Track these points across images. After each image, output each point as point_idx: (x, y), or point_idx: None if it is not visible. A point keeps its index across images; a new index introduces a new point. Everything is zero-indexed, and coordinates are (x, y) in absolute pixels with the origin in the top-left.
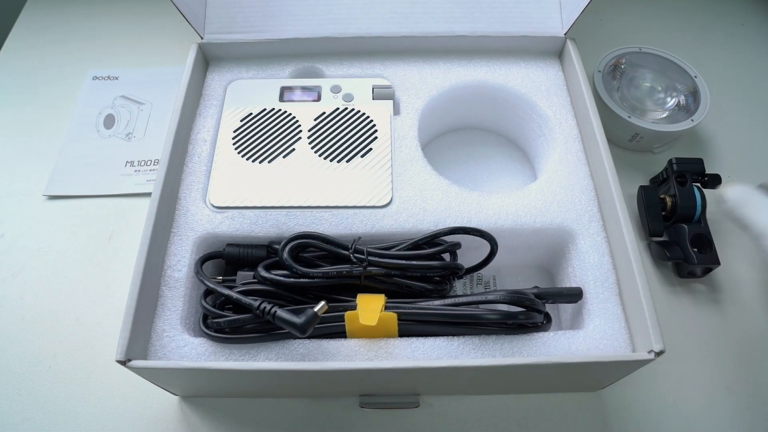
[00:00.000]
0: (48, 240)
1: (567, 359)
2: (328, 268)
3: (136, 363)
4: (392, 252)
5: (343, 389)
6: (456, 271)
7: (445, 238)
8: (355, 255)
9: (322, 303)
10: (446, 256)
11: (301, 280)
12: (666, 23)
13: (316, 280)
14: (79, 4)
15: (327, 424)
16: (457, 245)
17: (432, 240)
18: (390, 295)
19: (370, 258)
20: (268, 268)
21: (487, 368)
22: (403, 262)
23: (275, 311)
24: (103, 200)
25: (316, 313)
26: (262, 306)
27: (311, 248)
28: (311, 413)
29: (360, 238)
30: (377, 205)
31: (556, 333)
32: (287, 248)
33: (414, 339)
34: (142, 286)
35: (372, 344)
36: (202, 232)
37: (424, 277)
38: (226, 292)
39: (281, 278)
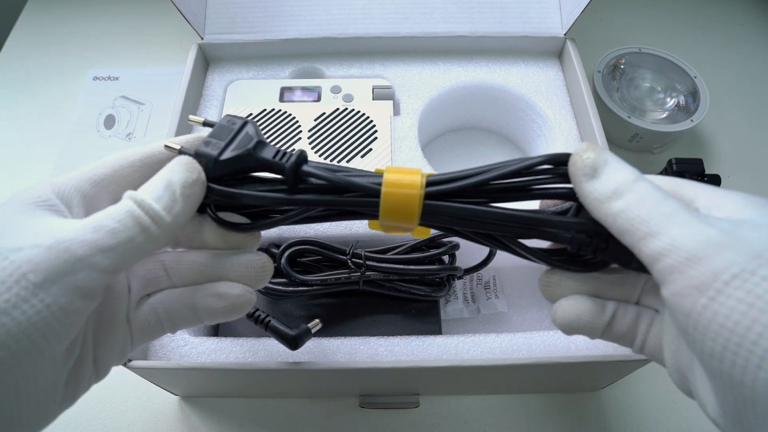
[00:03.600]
0: None
1: (567, 359)
2: (326, 275)
3: (136, 363)
4: (390, 256)
5: (343, 389)
6: (454, 274)
7: (443, 239)
8: (353, 260)
9: (317, 320)
10: (445, 258)
11: (300, 288)
12: (666, 23)
13: (314, 287)
14: (79, 5)
15: (327, 424)
16: (456, 246)
17: (430, 242)
18: (389, 299)
19: (368, 263)
20: None
21: (487, 368)
22: (401, 266)
23: (269, 321)
24: None
25: (309, 329)
26: (257, 314)
27: (309, 253)
28: (311, 413)
29: (358, 242)
30: None
31: (556, 332)
32: (285, 256)
33: (414, 337)
34: None
35: (371, 342)
36: None
37: (423, 279)
38: None
39: (280, 287)
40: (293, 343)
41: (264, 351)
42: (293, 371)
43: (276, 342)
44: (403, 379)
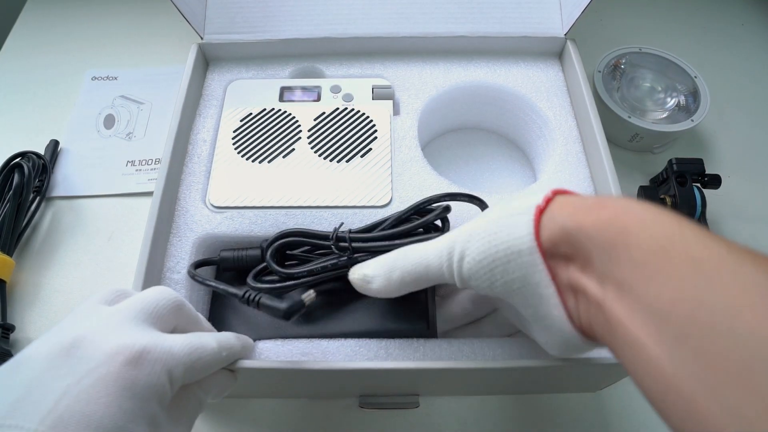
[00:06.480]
0: (48, 240)
1: (567, 360)
2: (312, 266)
3: None
4: (376, 233)
5: (343, 389)
6: None
7: (432, 205)
8: (338, 244)
9: (311, 291)
10: (438, 225)
11: (288, 283)
12: (666, 23)
13: (302, 280)
14: (78, 5)
15: (327, 424)
16: (447, 209)
17: (416, 211)
18: None
19: (353, 245)
20: (257, 276)
21: (487, 370)
22: (388, 242)
23: (259, 298)
24: (104, 200)
25: (302, 301)
26: (247, 294)
27: (297, 244)
28: (311, 413)
29: (342, 224)
30: (377, 205)
31: None
32: (269, 251)
33: (413, 340)
34: (143, 287)
35: (372, 343)
36: (201, 233)
37: None
38: (213, 284)
39: (268, 285)
40: (286, 314)
41: (263, 351)
42: (293, 371)
43: (275, 343)
44: (403, 380)
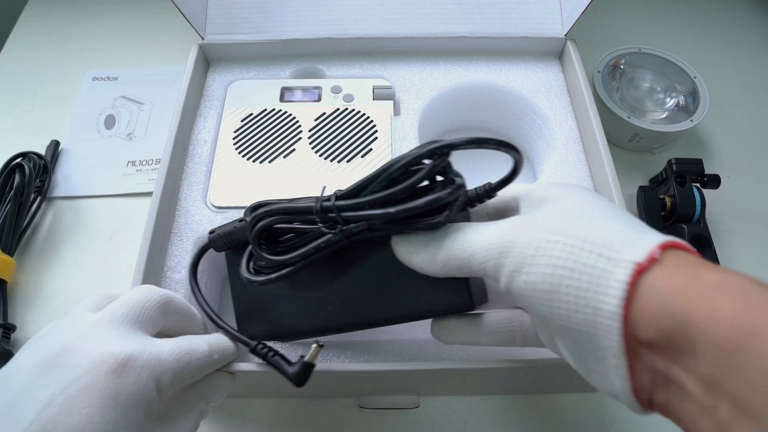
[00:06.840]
0: (49, 240)
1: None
2: (305, 249)
3: None
4: (365, 199)
5: (342, 390)
6: (457, 197)
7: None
8: (326, 215)
9: (314, 346)
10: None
11: (283, 271)
12: (666, 24)
13: (298, 264)
14: (78, 5)
15: (327, 424)
16: (443, 157)
17: (408, 167)
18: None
19: (342, 214)
20: (249, 262)
21: (487, 370)
22: (381, 211)
23: (271, 356)
24: (104, 200)
25: (307, 364)
26: (258, 348)
27: (280, 222)
28: (311, 413)
29: (325, 188)
30: None
31: None
32: (255, 240)
33: (413, 339)
34: None
35: (372, 345)
36: (202, 233)
37: (416, 215)
38: (222, 324)
39: (263, 278)
40: (297, 381)
41: None
42: None
43: (273, 345)
44: (403, 381)
